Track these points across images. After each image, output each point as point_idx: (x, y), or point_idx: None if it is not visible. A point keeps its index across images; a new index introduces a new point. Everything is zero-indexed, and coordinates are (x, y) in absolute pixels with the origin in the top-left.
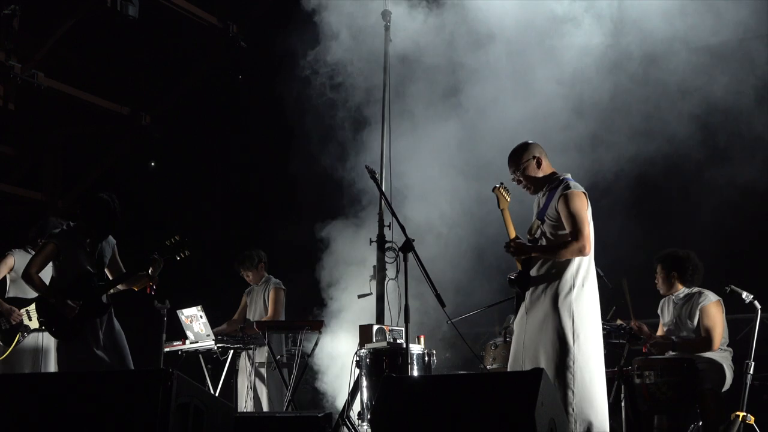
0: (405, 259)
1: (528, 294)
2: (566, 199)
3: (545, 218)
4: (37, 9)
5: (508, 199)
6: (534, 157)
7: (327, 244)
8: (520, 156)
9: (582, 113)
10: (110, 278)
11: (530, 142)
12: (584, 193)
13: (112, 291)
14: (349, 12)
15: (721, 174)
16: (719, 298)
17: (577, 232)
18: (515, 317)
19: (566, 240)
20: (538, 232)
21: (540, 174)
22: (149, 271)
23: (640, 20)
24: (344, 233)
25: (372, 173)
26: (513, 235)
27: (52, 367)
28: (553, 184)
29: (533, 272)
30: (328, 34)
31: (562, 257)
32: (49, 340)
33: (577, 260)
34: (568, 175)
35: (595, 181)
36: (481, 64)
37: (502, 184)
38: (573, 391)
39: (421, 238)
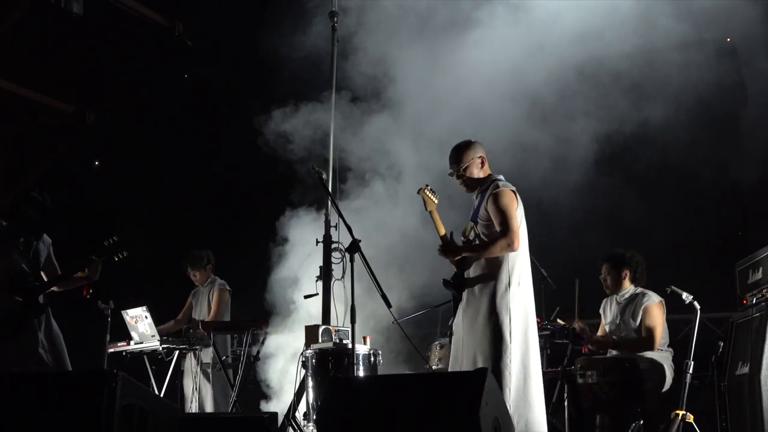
0: (351, 260)
1: (465, 294)
2: (495, 198)
3: (478, 219)
4: None
5: (436, 201)
6: (479, 157)
7: (275, 243)
8: (464, 153)
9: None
10: (45, 279)
11: (474, 140)
12: (514, 191)
13: (50, 290)
14: (297, 11)
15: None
16: (662, 299)
17: (505, 228)
18: (453, 318)
19: (495, 237)
20: (472, 234)
21: (481, 175)
22: (86, 272)
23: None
24: (293, 233)
25: (319, 174)
26: (443, 233)
27: None
28: (485, 185)
29: (469, 273)
30: (277, 30)
31: (492, 254)
32: None
33: (511, 259)
34: (501, 177)
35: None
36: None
37: (427, 186)
38: (510, 389)
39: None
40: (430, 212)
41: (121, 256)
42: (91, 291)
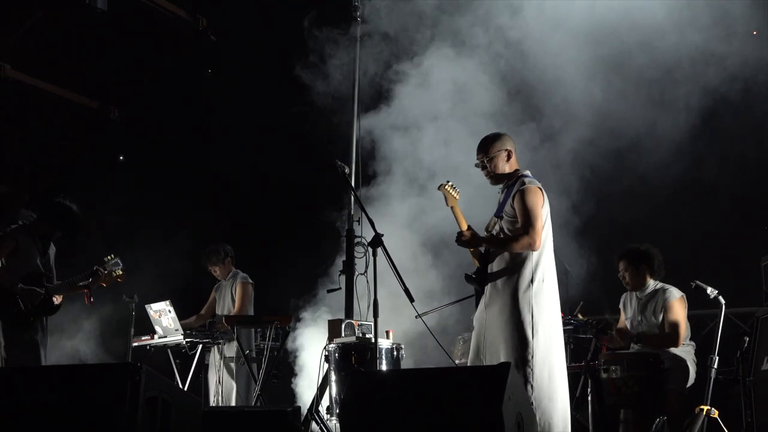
0: (374, 254)
1: (487, 289)
2: (522, 195)
3: (503, 215)
4: (4, 0)
5: (457, 197)
6: (506, 150)
7: (299, 238)
8: (492, 144)
9: None
10: (59, 282)
11: (504, 133)
12: (540, 189)
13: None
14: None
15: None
16: (682, 294)
17: (528, 226)
18: (475, 313)
19: (518, 233)
20: (496, 228)
21: (507, 169)
22: (89, 281)
23: None
24: (316, 227)
25: (342, 169)
26: (465, 227)
27: None
28: (511, 180)
29: (492, 268)
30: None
31: (513, 250)
32: None
33: (535, 255)
34: (528, 172)
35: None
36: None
37: (448, 182)
38: (532, 386)
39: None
40: (452, 208)
41: (116, 274)
42: (92, 299)
